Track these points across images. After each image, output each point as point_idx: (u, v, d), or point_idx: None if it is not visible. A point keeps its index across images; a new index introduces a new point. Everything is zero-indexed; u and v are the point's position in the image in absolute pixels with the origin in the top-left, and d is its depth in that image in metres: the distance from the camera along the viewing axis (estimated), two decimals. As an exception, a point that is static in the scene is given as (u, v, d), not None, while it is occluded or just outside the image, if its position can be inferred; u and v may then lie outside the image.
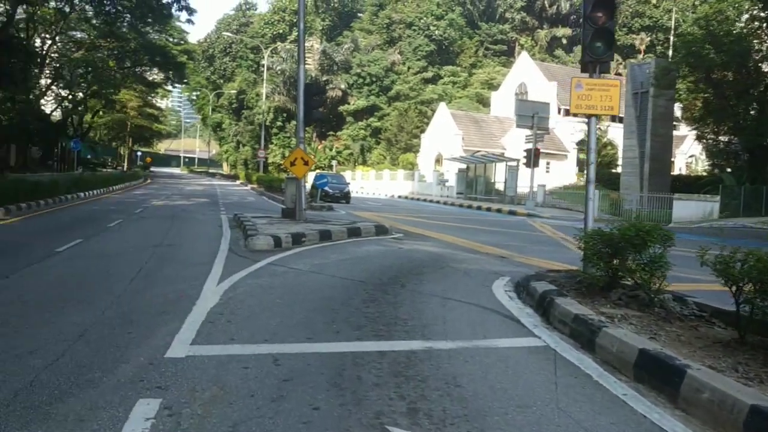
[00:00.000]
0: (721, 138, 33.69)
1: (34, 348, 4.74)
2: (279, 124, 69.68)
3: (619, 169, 46.17)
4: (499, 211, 30.41)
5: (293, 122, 68.48)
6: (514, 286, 7.89)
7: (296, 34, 70.81)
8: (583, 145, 48.95)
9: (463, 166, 42.78)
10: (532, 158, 30.08)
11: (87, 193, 27.95)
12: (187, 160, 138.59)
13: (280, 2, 76.91)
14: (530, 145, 30.89)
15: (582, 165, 50.87)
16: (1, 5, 39.44)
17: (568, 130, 48.42)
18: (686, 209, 27.31)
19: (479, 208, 32.38)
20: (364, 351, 4.94)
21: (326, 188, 27.18)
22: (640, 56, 54.42)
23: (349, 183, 34.18)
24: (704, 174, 48.90)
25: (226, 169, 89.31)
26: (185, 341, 5.05)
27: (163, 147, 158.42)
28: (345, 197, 30.41)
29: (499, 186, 38.07)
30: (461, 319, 6.17)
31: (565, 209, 32.10)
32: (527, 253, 11.84)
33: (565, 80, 54.77)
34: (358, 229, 13.36)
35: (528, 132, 48.44)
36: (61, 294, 6.80)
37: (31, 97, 43.40)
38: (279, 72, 65.80)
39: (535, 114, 29.86)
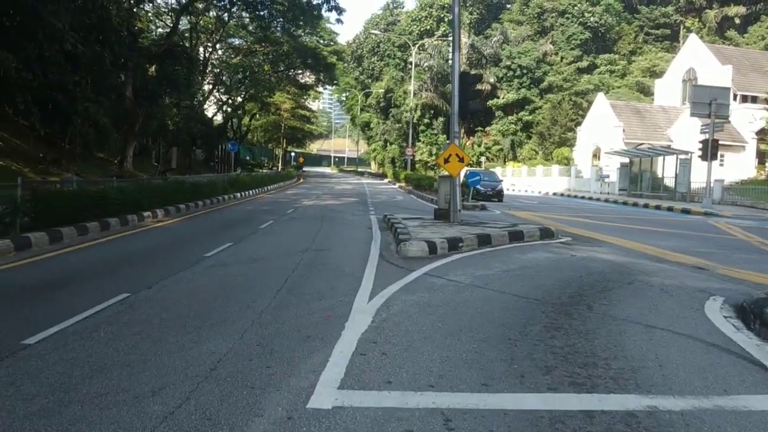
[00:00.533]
0: None
1: (158, 387, 3.96)
2: (426, 121, 69.10)
3: (812, 161, 40.68)
4: (670, 209, 27.43)
5: (440, 119, 67.71)
6: (735, 311, 6.21)
7: (443, 29, 70.28)
8: (764, 134, 43.59)
9: (626, 160, 39.48)
10: (710, 150, 26.73)
11: (243, 193, 28.73)
12: (336, 159, 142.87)
13: (428, -2, 76.36)
14: (706, 135, 27.52)
15: (763, 157, 45.33)
16: (168, 17, 42.09)
17: (745, 119, 43.35)
18: None
19: (646, 206, 29.45)
20: (564, 410, 3.67)
21: (478, 186, 25.89)
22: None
23: (501, 180, 32.55)
24: None
25: (374, 167, 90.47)
26: (332, 383, 4.06)
27: (315, 147, 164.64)
28: (497, 195, 28.89)
29: (668, 181, 34.58)
30: (681, 359, 4.70)
31: (749, 207, 28.36)
32: (726, 262, 9.85)
33: (741, 63, 49.24)
34: (520, 232, 11.97)
35: (702, 121, 44.11)
36: (202, 311, 6.13)
37: (194, 102, 46.02)
38: (426, 68, 65.14)
39: (713, 101, 26.47)
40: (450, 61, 63.08)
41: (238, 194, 27.51)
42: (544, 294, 6.95)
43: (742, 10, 73.85)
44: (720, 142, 37.90)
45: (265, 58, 58.12)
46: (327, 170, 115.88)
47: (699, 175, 33.31)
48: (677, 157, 32.82)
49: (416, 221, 13.92)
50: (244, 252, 10.37)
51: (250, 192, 30.39)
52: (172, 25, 39.26)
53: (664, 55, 69.27)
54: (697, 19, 75.69)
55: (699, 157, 28.27)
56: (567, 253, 10.36)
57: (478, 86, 61.27)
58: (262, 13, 43.80)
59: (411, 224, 13.15)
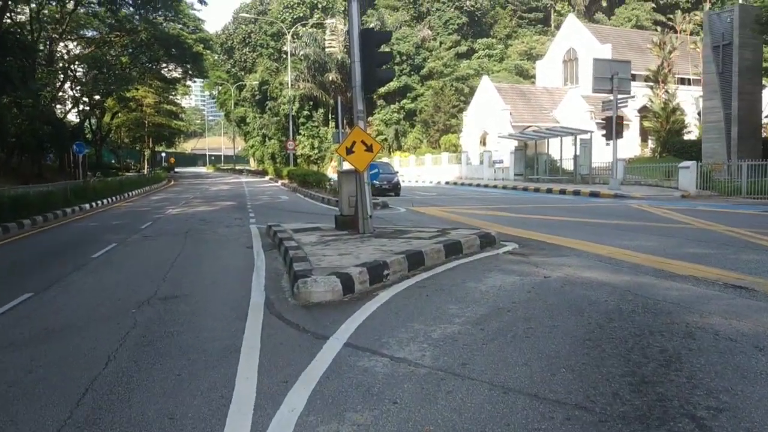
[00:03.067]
0: None
1: None
2: (306, 113, 65.14)
3: (690, 136, 40.85)
4: (576, 193, 25.60)
5: (321, 110, 64.13)
6: None
7: (318, 16, 66.46)
8: (645, 111, 43.60)
9: (517, 144, 37.77)
10: (614, 128, 25.05)
11: (96, 204, 23.89)
12: (212, 158, 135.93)
13: (300, -17, 72.16)
14: (609, 113, 25.91)
15: (646, 135, 45.47)
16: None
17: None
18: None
19: (550, 191, 27.53)
20: None
21: (374, 181, 22.67)
22: (706, 6, 48.59)
23: (397, 172, 29.42)
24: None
25: (253, 164, 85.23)
26: None
27: (188, 147, 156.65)
28: (394, 189, 25.76)
29: (566, 164, 33.06)
30: None
31: (654, 186, 27.08)
32: (750, 270, 7.16)
33: (619, 42, 49.31)
34: (456, 243, 8.75)
35: (586, 102, 43.39)
36: None
37: (42, 102, 39.58)
38: (303, 57, 61.01)
39: (615, 75, 24.77)
40: (327, 49, 59.93)
41: (87, 205, 22.63)
42: (577, 385, 3.68)
43: (608, -8, 75.81)
44: (599, 121, 37.16)
45: (124, 50, 51.89)
46: (202, 170, 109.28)
47: (596, 155, 32.03)
48: (576, 138, 31.24)
49: (312, 234, 10.37)
50: (41, 313, 6.38)
51: (105, 201, 25.47)
52: (-3, 8, 33.07)
53: (540, 38, 69.53)
54: (567, 3, 76.88)
55: (603, 135, 26.65)
56: (535, 274, 7.25)
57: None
58: (109, -6, 38.21)
59: (306, 239, 9.61)
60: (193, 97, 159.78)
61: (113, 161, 73.18)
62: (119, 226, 15.91)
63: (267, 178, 54.95)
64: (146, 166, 78.40)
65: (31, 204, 17.21)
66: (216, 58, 79.01)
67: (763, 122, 33.64)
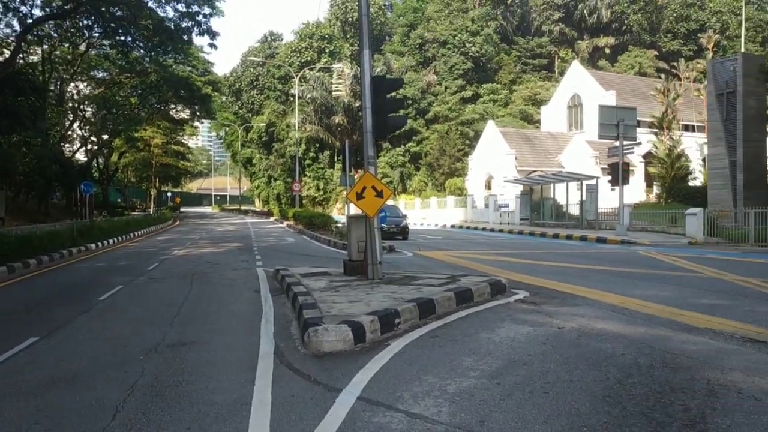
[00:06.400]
0: None
1: None
2: (312, 155, 65.72)
3: (695, 182, 40.91)
4: (583, 238, 25.49)
5: (326, 152, 64.61)
6: None
7: (325, 60, 67.51)
8: (650, 157, 43.76)
9: (522, 188, 37.87)
10: (620, 173, 25.11)
11: (102, 243, 23.84)
12: (218, 198, 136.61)
13: (307, 29, 73.53)
14: (615, 159, 26.01)
15: (651, 180, 45.54)
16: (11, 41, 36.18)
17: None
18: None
19: (557, 236, 27.43)
20: None
21: (382, 224, 22.69)
22: (709, 55, 49.18)
23: (405, 215, 29.38)
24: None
25: (258, 205, 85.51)
26: None
27: (194, 186, 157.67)
28: (402, 233, 25.66)
29: (572, 209, 33.05)
30: None
31: (660, 232, 26.98)
32: (762, 321, 7.05)
33: (623, 88, 49.88)
34: (467, 290, 8.66)
35: (591, 148, 43.63)
36: None
37: (50, 140, 40.01)
38: (309, 100, 61.87)
39: (620, 121, 24.95)
40: (333, 92, 60.71)
41: (93, 245, 22.59)
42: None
43: (611, 40, 76.97)
44: (603, 167, 37.32)
45: (133, 91, 52.70)
46: (208, 210, 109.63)
47: (602, 201, 32.05)
48: (582, 183, 31.30)
49: (321, 279, 10.29)
50: (46, 359, 6.27)
51: (111, 241, 25.43)
52: (11, 49, 33.67)
53: (544, 84, 70.32)
54: (570, 50, 78.04)
55: (609, 181, 26.71)
56: (549, 324, 7.14)
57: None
58: (123, 38, 38.81)
59: (315, 285, 9.53)
60: (201, 137, 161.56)
61: (119, 200, 73.54)
62: (125, 267, 15.84)
63: (272, 219, 55.04)
64: (152, 205, 78.71)
65: (38, 243, 17.18)
66: (224, 99, 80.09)
67: (768, 169, 33.72)
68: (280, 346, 6.46)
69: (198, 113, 62.22)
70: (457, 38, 67.28)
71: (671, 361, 5.43)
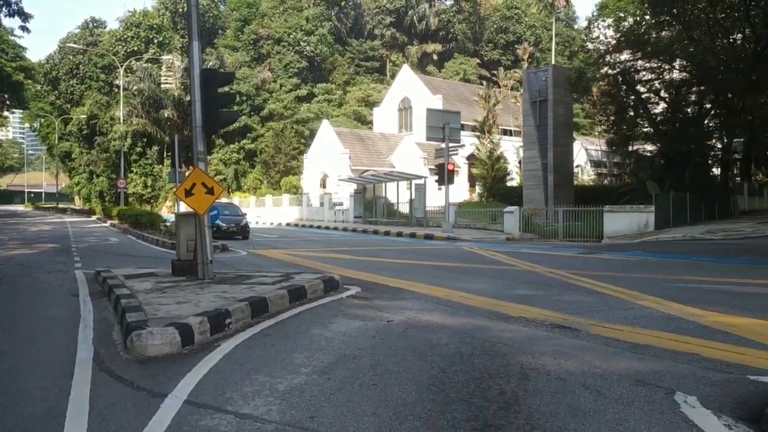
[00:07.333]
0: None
1: None
2: (139, 150, 62.08)
3: (513, 183, 44.23)
4: (413, 235, 26.58)
5: (155, 148, 61.47)
6: (732, 413, 3.73)
7: (153, 50, 64.14)
8: (473, 159, 46.63)
9: (356, 187, 38.67)
10: (445, 174, 26.55)
11: None
12: (32, 195, 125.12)
13: (134, 17, 69.35)
14: (441, 160, 27.41)
15: (473, 181, 48.53)
16: None
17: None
18: (618, 222, 24.89)
19: (388, 233, 28.34)
20: None
21: (218, 222, 21.98)
22: (525, 65, 53.36)
23: (245, 214, 28.66)
24: (591, 183, 48.29)
25: (78, 203, 79.17)
26: None
27: (4, 183, 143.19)
28: (242, 232, 24.92)
29: (402, 207, 34.32)
30: None
31: (482, 229, 28.86)
32: (577, 311, 7.78)
33: (448, 93, 52.61)
34: (301, 288, 8.67)
35: (420, 149, 45.53)
36: None
37: None
38: (136, 92, 58.42)
39: (446, 125, 26.36)
40: (163, 85, 57.82)
41: None
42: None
43: (438, 47, 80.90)
44: (431, 167, 39.26)
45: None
46: (20, 208, 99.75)
47: (430, 199, 33.59)
48: (411, 183, 32.58)
49: (147, 280, 9.76)
50: None
51: None
52: None
53: (377, 86, 72.22)
54: (401, 54, 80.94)
55: (436, 181, 28.09)
56: (379, 318, 7.36)
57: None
58: None
59: (140, 287, 9.03)
60: (11, 128, 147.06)
61: None
62: None
63: (94, 217, 51.31)
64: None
65: None
66: (39, 88, 73.34)
67: (574, 171, 37.32)
68: (101, 352, 6.04)
69: (8, 102, 56.47)
70: (291, 36, 67.08)
71: (490, 348, 5.83)
